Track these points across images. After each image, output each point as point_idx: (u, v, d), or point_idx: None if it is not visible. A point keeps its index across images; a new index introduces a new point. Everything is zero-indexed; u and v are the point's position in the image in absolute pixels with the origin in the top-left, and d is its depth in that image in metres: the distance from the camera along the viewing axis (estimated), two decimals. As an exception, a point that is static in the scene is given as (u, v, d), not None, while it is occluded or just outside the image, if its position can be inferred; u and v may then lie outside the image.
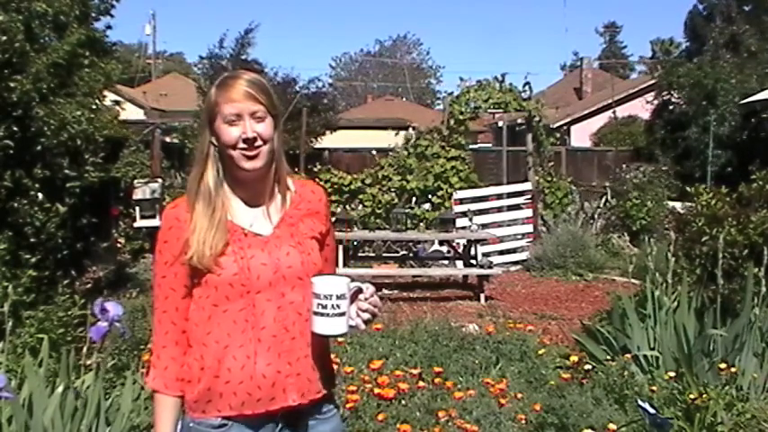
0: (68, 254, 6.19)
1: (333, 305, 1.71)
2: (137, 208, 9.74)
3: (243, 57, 13.80)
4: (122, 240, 9.31)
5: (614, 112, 21.85)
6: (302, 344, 1.79)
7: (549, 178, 12.02)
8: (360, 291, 1.78)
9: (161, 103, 22.90)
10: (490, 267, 9.11)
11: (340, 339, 5.07)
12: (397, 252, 10.83)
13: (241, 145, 1.77)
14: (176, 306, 1.81)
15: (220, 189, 1.82)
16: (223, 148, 1.80)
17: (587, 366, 4.62)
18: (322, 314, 1.72)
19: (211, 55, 14.06)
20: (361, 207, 11.24)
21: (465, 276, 9.50)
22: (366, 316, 1.78)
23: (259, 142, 1.78)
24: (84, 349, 3.09)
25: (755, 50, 15.21)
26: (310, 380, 1.81)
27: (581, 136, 24.27)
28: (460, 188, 11.18)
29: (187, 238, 1.77)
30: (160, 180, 10.47)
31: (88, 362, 3.15)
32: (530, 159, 12.04)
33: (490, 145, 19.80)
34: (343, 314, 1.72)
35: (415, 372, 4.58)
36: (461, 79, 12.48)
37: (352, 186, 11.44)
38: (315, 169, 11.95)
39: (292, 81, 14.59)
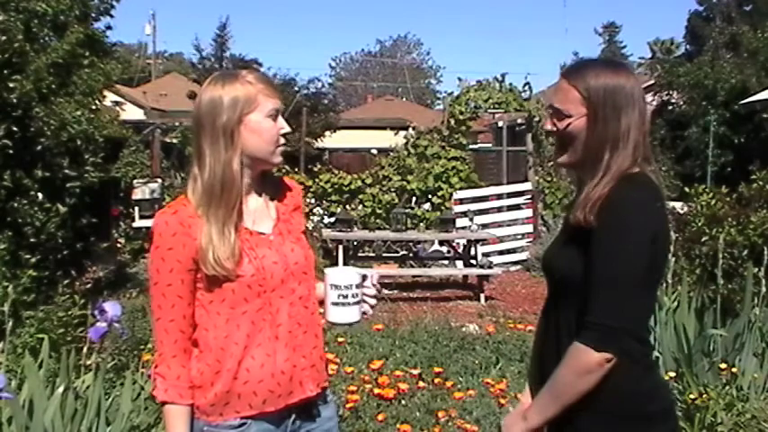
0: (68, 254, 6.21)
1: (353, 294, 1.81)
2: (137, 208, 9.76)
3: (241, 57, 13.78)
4: (122, 240, 9.32)
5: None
6: (311, 336, 1.86)
7: (549, 178, 12.01)
8: (364, 278, 1.87)
9: (161, 103, 22.90)
10: (490, 267, 9.11)
11: (340, 339, 5.10)
12: (397, 252, 10.82)
13: (281, 141, 1.81)
14: (184, 314, 1.77)
15: (243, 184, 1.79)
16: (258, 145, 1.78)
17: (587, 366, 4.60)
18: (343, 304, 1.81)
19: (200, 58, 14.03)
20: (361, 207, 11.23)
21: (465, 276, 9.50)
22: (373, 301, 1.89)
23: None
24: (85, 349, 3.09)
25: (755, 51, 15.19)
26: (320, 369, 1.89)
27: (581, 136, 24.20)
28: (461, 188, 11.18)
29: (199, 246, 1.73)
30: (160, 180, 10.49)
31: (88, 362, 3.15)
32: (530, 159, 12.04)
33: (490, 145, 19.78)
34: (359, 302, 1.83)
35: (415, 372, 4.58)
36: (459, 79, 12.45)
37: (352, 186, 11.43)
38: (315, 169, 11.95)
39: (292, 81, 14.58)
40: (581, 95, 1.70)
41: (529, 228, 11.17)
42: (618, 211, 1.64)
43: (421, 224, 10.69)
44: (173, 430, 1.77)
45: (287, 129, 1.82)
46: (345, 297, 1.80)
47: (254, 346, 1.77)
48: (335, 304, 1.81)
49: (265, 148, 1.79)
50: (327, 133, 14.50)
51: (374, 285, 1.89)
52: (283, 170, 8.33)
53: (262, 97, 1.77)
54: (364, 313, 1.86)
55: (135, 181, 9.57)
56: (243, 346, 1.76)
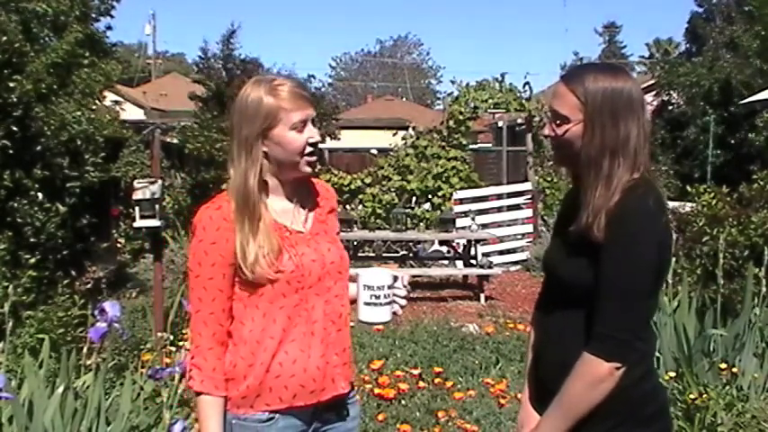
0: (68, 254, 6.21)
1: (385, 294, 1.86)
2: (137, 208, 9.73)
3: (242, 58, 13.73)
4: (122, 240, 9.31)
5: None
6: (344, 334, 1.91)
7: (549, 178, 12.01)
8: (395, 278, 1.91)
9: (161, 103, 22.92)
10: (490, 267, 9.10)
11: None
12: (397, 252, 10.82)
13: (308, 150, 1.83)
14: (223, 307, 1.82)
15: (261, 194, 1.83)
16: (285, 155, 1.81)
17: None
18: (375, 304, 1.86)
19: (204, 59, 13.94)
20: (361, 207, 11.23)
21: (465, 276, 9.49)
22: (403, 302, 1.93)
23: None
24: (85, 349, 3.09)
25: (755, 51, 15.18)
26: (351, 367, 1.94)
27: (581, 136, 24.17)
28: (461, 188, 11.18)
29: (239, 245, 1.78)
30: (160, 180, 10.47)
31: (88, 362, 3.15)
32: (530, 159, 12.04)
33: (490, 145, 19.76)
34: (390, 302, 1.88)
35: (415, 372, 4.59)
36: (452, 82, 12.43)
37: (352, 186, 11.43)
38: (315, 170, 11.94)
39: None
40: (578, 100, 1.68)
41: (529, 228, 11.17)
42: (626, 224, 1.63)
43: (421, 224, 10.69)
44: (207, 421, 1.80)
45: (316, 138, 1.84)
46: (378, 297, 1.85)
47: (289, 341, 1.81)
48: (368, 304, 1.86)
49: (291, 158, 1.83)
50: (328, 139, 14.44)
51: (405, 286, 1.94)
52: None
53: (290, 109, 1.79)
54: (394, 313, 1.91)
55: (135, 181, 9.55)
56: (278, 341, 1.81)
